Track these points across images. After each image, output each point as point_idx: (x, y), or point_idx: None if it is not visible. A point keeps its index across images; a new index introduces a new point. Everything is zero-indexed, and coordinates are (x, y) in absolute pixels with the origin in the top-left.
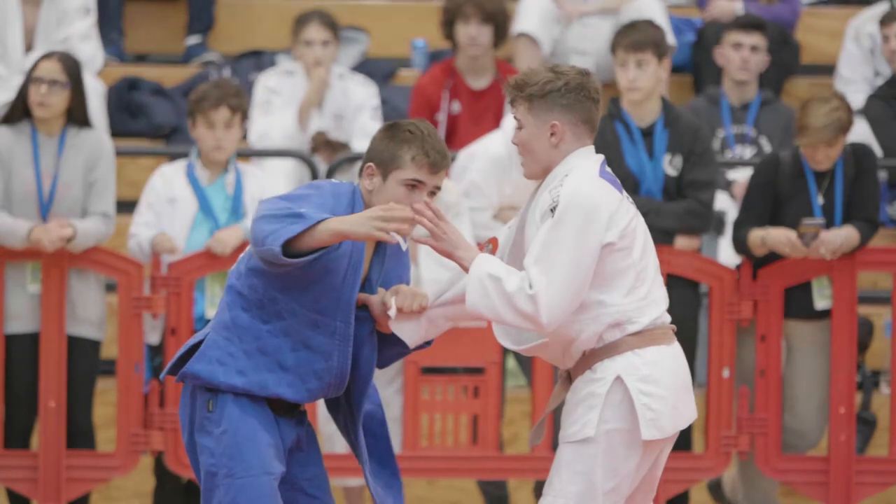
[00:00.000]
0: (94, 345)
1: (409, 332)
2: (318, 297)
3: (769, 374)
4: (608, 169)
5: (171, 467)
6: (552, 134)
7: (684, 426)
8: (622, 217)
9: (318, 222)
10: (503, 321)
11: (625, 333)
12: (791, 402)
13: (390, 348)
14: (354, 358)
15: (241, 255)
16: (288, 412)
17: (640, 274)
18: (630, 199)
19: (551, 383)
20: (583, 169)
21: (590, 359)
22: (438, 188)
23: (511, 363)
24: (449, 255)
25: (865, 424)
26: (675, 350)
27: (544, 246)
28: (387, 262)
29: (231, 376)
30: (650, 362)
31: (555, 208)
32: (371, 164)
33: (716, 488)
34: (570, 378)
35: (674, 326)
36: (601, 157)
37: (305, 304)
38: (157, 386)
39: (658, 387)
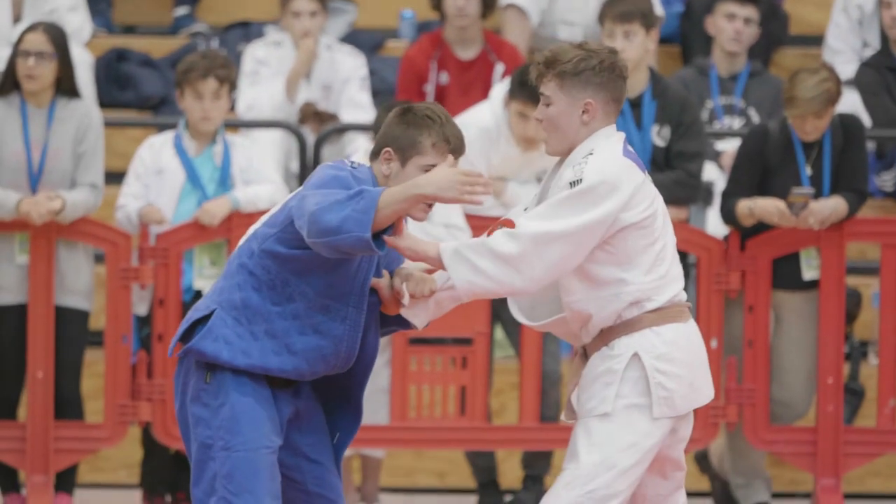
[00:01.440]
0: (83, 315)
1: (419, 316)
2: (332, 283)
3: (757, 344)
4: (630, 148)
5: (158, 438)
6: (584, 112)
7: (702, 404)
8: (645, 196)
9: (383, 192)
10: (489, 286)
11: (643, 311)
12: (779, 373)
13: (388, 326)
14: (360, 343)
15: (252, 233)
16: (285, 385)
17: (660, 253)
18: (650, 179)
19: (539, 354)
20: (608, 148)
21: (607, 335)
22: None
23: (499, 334)
24: (418, 255)
25: (853, 395)
26: (691, 327)
27: (550, 206)
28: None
29: (235, 356)
30: (668, 340)
31: (575, 182)
32: (389, 148)
33: (702, 459)
34: (585, 355)
35: (689, 304)
36: (622, 134)
37: (319, 289)
38: (145, 357)
39: (674, 365)
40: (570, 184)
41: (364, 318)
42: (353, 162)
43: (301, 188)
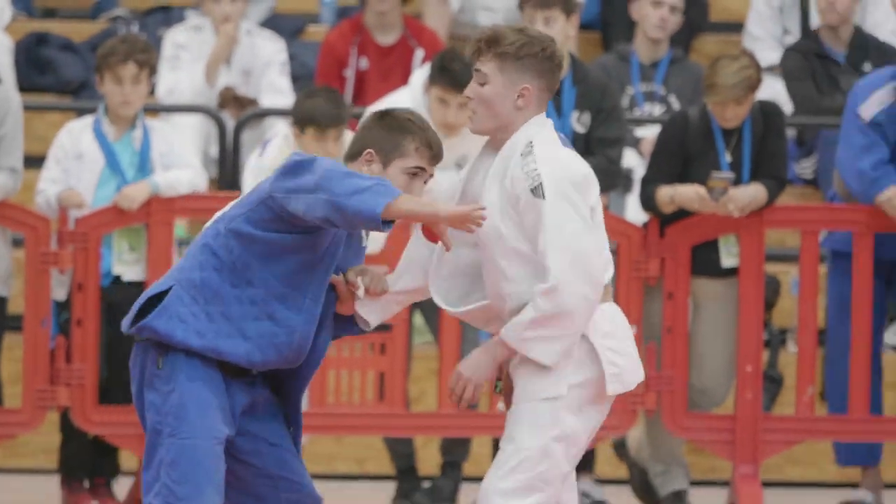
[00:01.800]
0: (0, 300)
1: (372, 314)
2: (293, 271)
3: (676, 331)
4: (560, 134)
5: (77, 423)
6: (520, 97)
7: (640, 380)
8: (596, 183)
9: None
10: (574, 337)
11: None
12: (698, 360)
13: (341, 328)
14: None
15: (219, 215)
16: (240, 374)
17: (602, 236)
18: None
19: (459, 341)
20: (546, 139)
21: None
22: (432, 176)
23: (418, 320)
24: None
25: (772, 382)
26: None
27: (553, 230)
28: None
29: (189, 336)
30: (610, 317)
31: (536, 187)
32: (370, 150)
33: (620, 447)
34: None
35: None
36: (550, 121)
37: (279, 276)
38: (64, 342)
39: (619, 341)
40: (532, 191)
41: (320, 313)
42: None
43: (273, 173)
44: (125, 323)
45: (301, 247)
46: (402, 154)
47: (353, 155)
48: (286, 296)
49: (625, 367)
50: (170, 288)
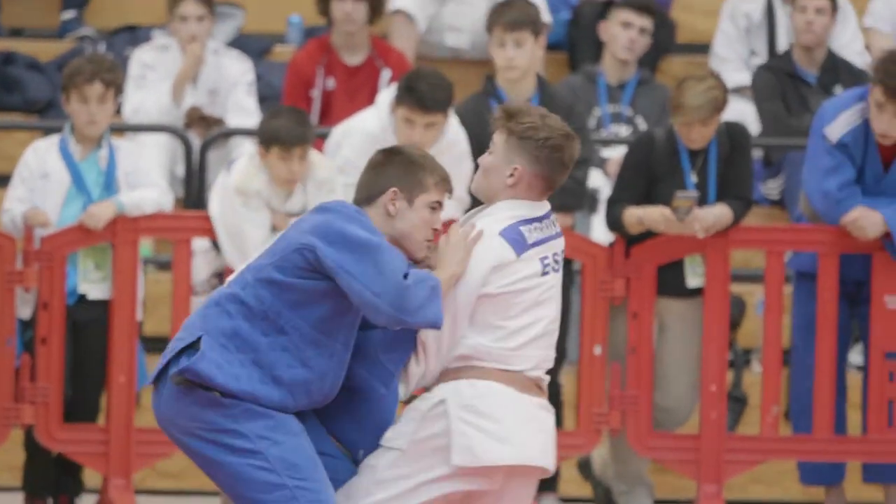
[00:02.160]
0: None
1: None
2: (325, 317)
3: (641, 351)
4: (526, 226)
5: (41, 441)
6: (510, 175)
7: (521, 463)
8: (508, 275)
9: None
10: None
11: (468, 364)
12: (662, 380)
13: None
14: None
15: (244, 268)
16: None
17: (517, 329)
18: (545, 259)
19: None
20: (494, 221)
21: (437, 381)
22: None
23: None
24: None
25: (736, 402)
26: (526, 398)
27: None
28: None
29: (228, 381)
30: (480, 393)
31: None
32: (395, 189)
33: (585, 466)
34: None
35: (540, 380)
36: (523, 214)
37: (311, 322)
38: (29, 360)
39: (480, 417)
40: None
41: (349, 356)
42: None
43: (301, 220)
44: (152, 376)
45: (333, 293)
46: (424, 189)
47: (370, 197)
48: (318, 342)
49: (479, 443)
50: (199, 338)
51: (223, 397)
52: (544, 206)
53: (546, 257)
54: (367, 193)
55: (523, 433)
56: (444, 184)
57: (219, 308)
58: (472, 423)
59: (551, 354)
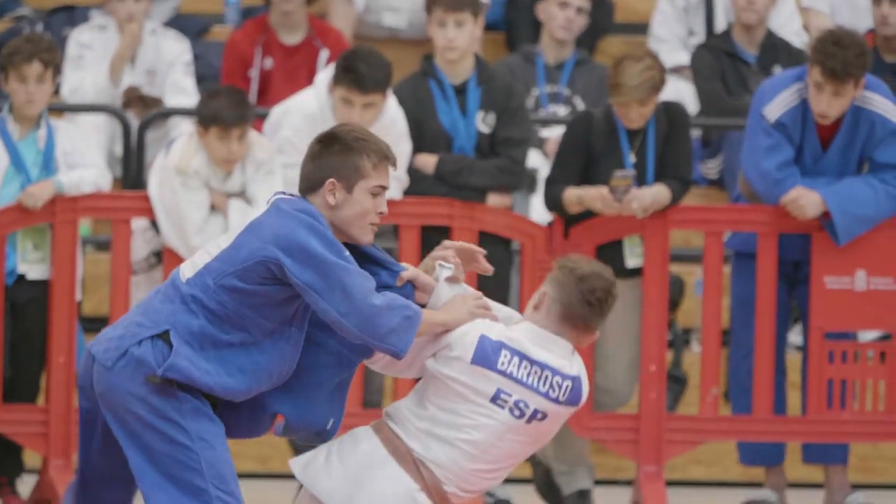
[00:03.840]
0: None
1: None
2: (286, 314)
3: None
4: (510, 355)
5: None
6: (535, 306)
7: (304, 482)
8: (454, 369)
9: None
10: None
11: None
12: (602, 360)
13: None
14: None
15: (203, 268)
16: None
17: (431, 417)
18: (508, 395)
19: None
20: (498, 327)
21: None
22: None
23: None
24: None
25: (676, 382)
26: (388, 465)
27: None
28: None
29: (202, 376)
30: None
31: None
32: (332, 179)
33: None
34: None
35: (443, 492)
36: (523, 346)
37: (271, 318)
38: None
39: (341, 449)
40: None
41: (303, 336)
42: (293, 197)
43: (253, 221)
44: (110, 357)
45: (295, 296)
46: (363, 175)
47: (311, 187)
48: (275, 331)
49: (316, 462)
50: (166, 331)
51: (179, 390)
52: (556, 355)
53: (509, 395)
54: (308, 184)
55: (349, 483)
56: (384, 162)
57: (184, 306)
58: (329, 450)
59: (473, 481)
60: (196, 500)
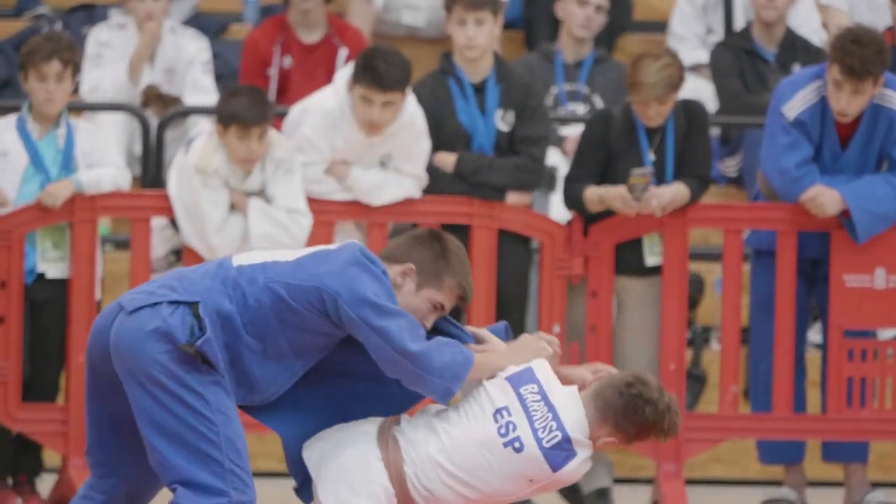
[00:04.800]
0: None
1: None
2: (304, 344)
3: (600, 330)
4: (534, 385)
5: (0, 421)
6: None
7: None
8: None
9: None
10: None
11: None
12: (621, 359)
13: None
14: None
15: (260, 262)
16: None
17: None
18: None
19: None
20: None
21: None
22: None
23: None
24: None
25: (695, 381)
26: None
27: None
28: None
29: (216, 357)
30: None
31: None
32: (413, 267)
33: None
34: None
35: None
36: (541, 380)
37: (288, 341)
38: None
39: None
40: None
41: (298, 375)
42: (382, 268)
43: (323, 248)
44: (136, 303)
45: (328, 334)
46: (437, 286)
47: (391, 258)
48: (284, 357)
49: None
50: (196, 303)
51: (203, 363)
52: (570, 415)
53: (510, 415)
54: (391, 254)
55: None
56: (458, 292)
57: (223, 288)
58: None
59: (430, 475)
60: (209, 470)
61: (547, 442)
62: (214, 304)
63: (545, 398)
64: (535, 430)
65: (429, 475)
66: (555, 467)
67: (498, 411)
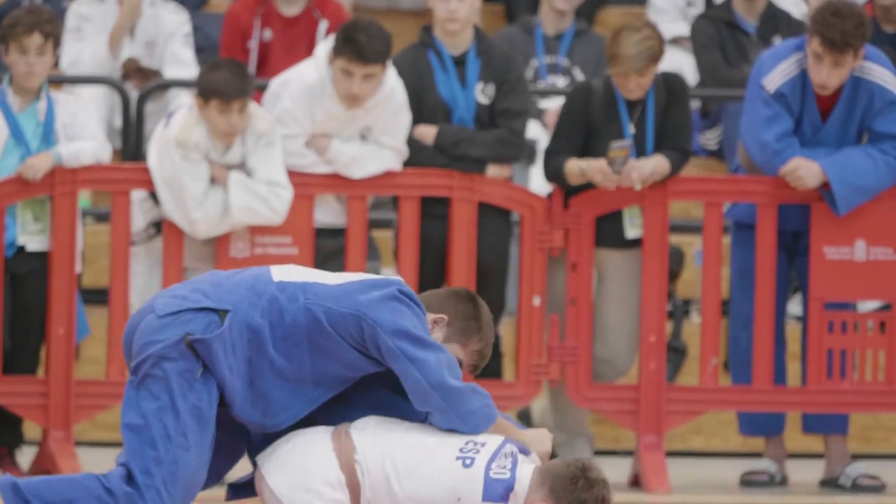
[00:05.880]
0: None
1: None
2: (328, 374)
3: (580, 302)
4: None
5: None
6: None
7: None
8: None
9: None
10: None
11: None
12: (602, 331)
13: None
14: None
15: (302, 281)
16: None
17: None
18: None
19: None
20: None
21: None
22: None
23: None
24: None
25: (676, 353)
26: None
27: None
28: None
29: (223, 370)
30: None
31: None
32: (446, 318)
33: (524, 417)
34: None
35: None
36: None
37: (314, 368)
38: None
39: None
40: None
41: (312, 408)
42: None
43: (368, 278)
44: (167, 308)
45: (350, 365)
46: (464, 344)
47: (428, 306)
48: (303, 384)
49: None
50: (226, 311)
51: (204, 375)
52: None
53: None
54: (426, 301)
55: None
56: (481, 355)
57: (259, 299)
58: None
59: (377, 468)
60: (151, 457)
61: (494, 473)
62: (245, 316)
63: (514, 456)
64: (490, 461)
65: (376, 460)
66: (486, 496)
67: (473, 440)
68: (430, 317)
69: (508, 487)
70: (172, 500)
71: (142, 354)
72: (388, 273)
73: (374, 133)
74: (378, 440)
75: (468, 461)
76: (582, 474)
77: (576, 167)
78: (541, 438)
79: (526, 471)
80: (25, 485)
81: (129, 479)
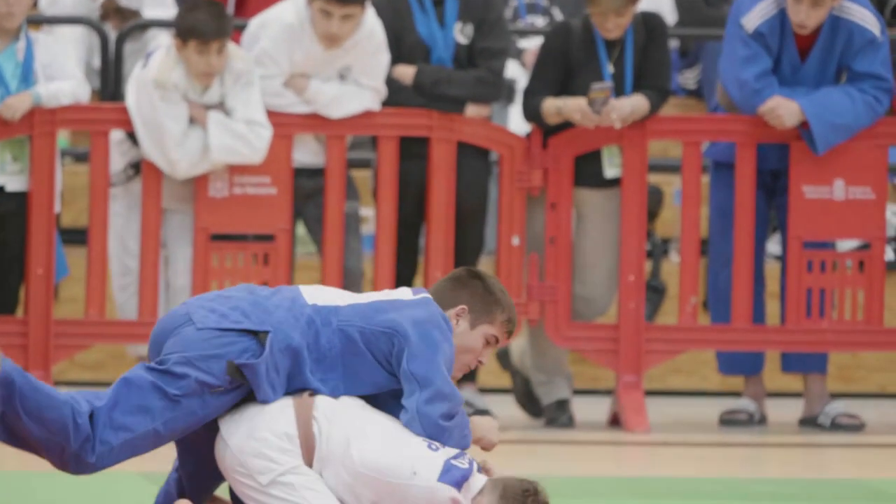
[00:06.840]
0: None
1: None
2: (355, 392)
3: (559, 242)
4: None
5: None
6: None
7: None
8: None
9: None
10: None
11: None
12: (581, 270)
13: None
14: None
15: (332, 306)
16: None
17: None
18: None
19: (341, 252)
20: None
21: None
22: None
23: (301, 230)
24: None
25: (655, 292)
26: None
27: None
28: None
29: (267, 391)
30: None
31: None
32: (466, 307)
33: (504, 356)
34: None
35: None
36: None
37: (346, 389)
38: None
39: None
40: None
41: None
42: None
43: (400, 298)
44: (207, 323)
45: (376, 384)
46: (490, 321)
47: (443, 304)
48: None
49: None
50: (266, 332)
51: (230, 388)
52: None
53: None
54: (440, 301)
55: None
56: (509, 325)
57: (297, 321)
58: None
59: (335, 444)
60: (145, 421)
61: (455, 461)
62: (286, 338)
63: (474, 461)
64: (454, 455)
65: (339, 421)
66: (442, 477)
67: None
68: (451, 312)
69: (465, 476)
70: (116, 462)
71: (181, 368)
72: (368, 211)
73: (353, 73)
74: (347, 405)
75: (434, 446)
76: (533, 491)
77: (553, 106)
78: (489, 427)
79: (482, 477)
80: (21, 384)
81: (92, 421)
